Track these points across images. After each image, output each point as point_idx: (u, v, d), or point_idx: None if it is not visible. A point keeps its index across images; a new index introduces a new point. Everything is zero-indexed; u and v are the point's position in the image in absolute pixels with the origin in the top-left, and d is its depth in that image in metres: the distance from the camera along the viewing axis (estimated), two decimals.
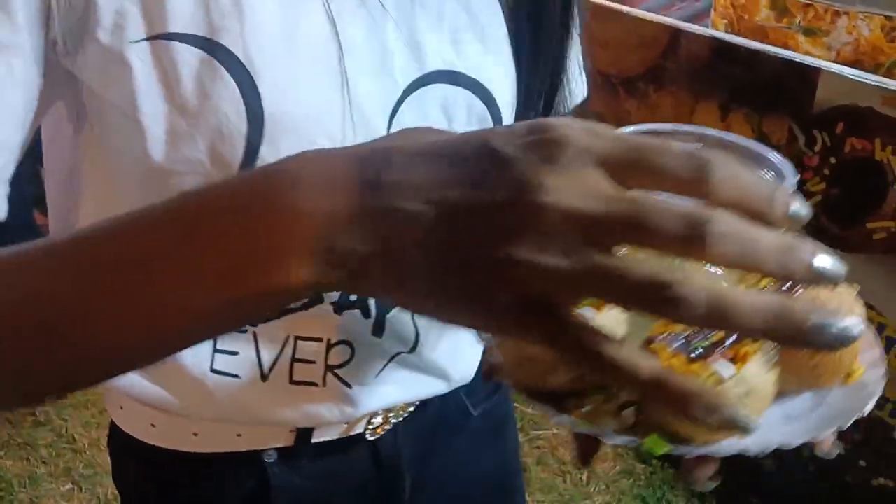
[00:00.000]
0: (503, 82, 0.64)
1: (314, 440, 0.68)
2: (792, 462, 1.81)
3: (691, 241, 0.31)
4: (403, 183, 0.35)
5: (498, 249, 0.33)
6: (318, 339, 0.63)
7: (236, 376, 0.63)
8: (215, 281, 0.37)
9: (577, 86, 0.71)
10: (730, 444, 0.43)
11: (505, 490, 0.87)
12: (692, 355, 0.45)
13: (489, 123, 0.62)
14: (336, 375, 0.64)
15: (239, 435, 0.67)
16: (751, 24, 1.93)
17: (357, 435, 0.70)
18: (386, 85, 0.58)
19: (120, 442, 0.71)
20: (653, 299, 0.31)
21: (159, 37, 0.52)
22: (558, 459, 2.14)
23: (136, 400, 0.64)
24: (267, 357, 0.63)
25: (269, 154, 0.54)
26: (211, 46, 0.52)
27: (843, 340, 0.31)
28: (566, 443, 2.18)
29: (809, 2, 1.82)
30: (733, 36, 1.78)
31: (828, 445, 0.46)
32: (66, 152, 0.61)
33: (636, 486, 2.05)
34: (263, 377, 0.63)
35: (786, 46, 1.83)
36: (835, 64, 1.57)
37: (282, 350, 0.63)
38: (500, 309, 0.34)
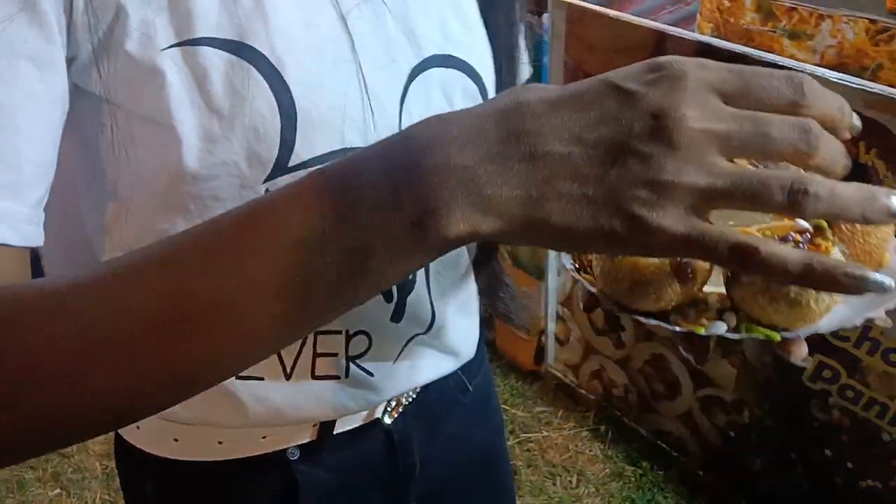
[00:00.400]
0: (485, 61, 0.67)
1: (336, 431, 0.69)
2: (780, 463, 1.82)
3: (803, 145, 0.37)
4: (545, 128, 0.37)
5: (648, 175, 0.36)
6: (338, 332, 0.64)
7: (261, 378, 0.63)
8: (374, 247, 0.38)
9: (526, 64, 0.75)
10: (817, 327, 0.50)
11: (493, 464, 0.90)
12: None
13: (480, 102, 0.64)
14: (357, 365, 0.65)
15: (264, 437, 0.67)
16: (736, 28, 1.94)
17: (375, 420, 0.71)
18: (393, 73, 0.60)
19: (135, 461, 0.71)
20: (795, 198, 0.36)
21: (186, 42, 0.52)
22: (548, 462, 2.14)
23: (160, 417, 0.63)
24: (288, 354, 0.63)
25: (303, 149, 0.55)
26: (239, 48, 0.53)
27: None
28: (556, 445, 2.18)
29: (794, 5, 1.83)
30: (718, 39, 1.79)
31: (882, 320, 0.52)
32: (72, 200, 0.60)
33: (626, 488, 2.06)
34: (287, 375, 0.64)
35: (771, 50, 1.83)
36: (819, 67, 1.57)
37: (302, 346, 0.63)
38: (658, 230, 0.37)
